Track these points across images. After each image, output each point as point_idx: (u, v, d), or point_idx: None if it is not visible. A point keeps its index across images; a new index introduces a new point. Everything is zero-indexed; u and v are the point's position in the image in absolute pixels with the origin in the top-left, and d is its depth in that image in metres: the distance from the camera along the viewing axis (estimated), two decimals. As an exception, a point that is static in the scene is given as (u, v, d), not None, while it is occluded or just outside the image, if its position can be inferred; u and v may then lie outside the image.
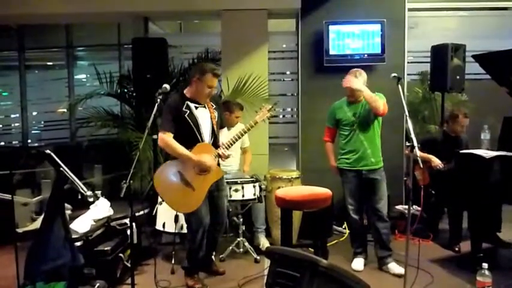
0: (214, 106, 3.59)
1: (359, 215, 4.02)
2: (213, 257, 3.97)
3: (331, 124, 4.09)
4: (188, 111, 3.41)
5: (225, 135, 3.73)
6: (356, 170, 3.91)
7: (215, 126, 3.54)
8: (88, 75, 6.92)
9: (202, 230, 3.46)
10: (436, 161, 4.45)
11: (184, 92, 3.52)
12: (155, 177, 3.41)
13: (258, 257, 4.15)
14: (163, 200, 3.62)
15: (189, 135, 3.40)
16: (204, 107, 3.52)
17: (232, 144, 3.57)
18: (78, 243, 3.27)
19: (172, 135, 3.35)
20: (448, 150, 4.37)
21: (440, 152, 4.47)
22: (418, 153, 3.04)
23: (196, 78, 3.41)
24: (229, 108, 4.54)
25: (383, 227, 3.90)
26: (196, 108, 3.46)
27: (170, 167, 3.40)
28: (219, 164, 3.62)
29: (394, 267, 3.82)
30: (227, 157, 3.53)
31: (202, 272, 3.78)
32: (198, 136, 3.43)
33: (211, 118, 3.52)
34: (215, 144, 3.54)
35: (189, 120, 3.39)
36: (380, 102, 3.71)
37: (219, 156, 3.49)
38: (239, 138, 3.62)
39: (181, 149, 3.34)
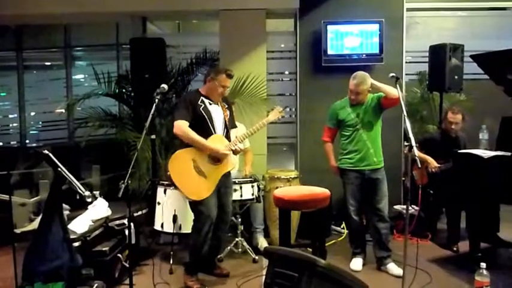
0: (226, 106, 3.74)
1: (359, 215, 4.01)
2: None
3: (332, 124, 4.05)
4: (203, 105, 3.55)
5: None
6: (358, 170, 3.90)
7: (227, 124, 3.68)
8: (86, 76, 6.90)
9: (210, 223, 3.50)
10: (433, 163, 4.44)
11: (200, 89, 3.67)
12: (170, 162, 3.46)
13: (257, 257, 4.15)
14: (174, 187, 3.63)
15: (203, 127, 3.50)
16: (217, 104, 3.66)
17: (244, 139, 3.74)
18: (76, 244, 3.27)
19: (187, 123, 3.44)
20: (446, 149, 4.37)
21: (438, 151, 4.48)
22: (417, 153, 3.03)
23: (210, 77, 3.58)
24: None
25: (383, 227, 3.90)
26: (210, 104, 3.60)
27: (185, 154, 3.48)
28: None
29: (393, 268, 3.81)
30: (240, 151, 3.69)
31: (206, 274, 3.79)
32: (212, 129, 3.55)
33: (223, 115, 3.66)
34: (227, 140, 3.66)
35: (204, 113, 3.52)
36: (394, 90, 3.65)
37: (232, 151, 3.60)
38: (251, 134, 3.77)
39: (197, 136, 3.45)
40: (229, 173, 3.73)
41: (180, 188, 3.48)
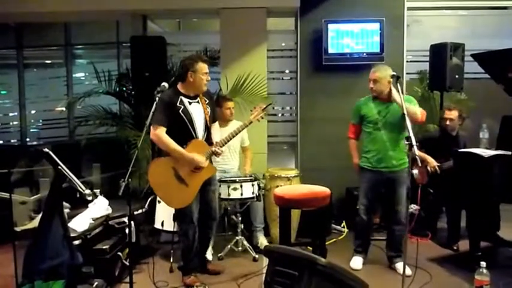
0: (207, 101, 3.63)
1: (368, 215, 3.95)
2: (209, 256, 4.00)
3: (356, 121, 3.99)
4: (182, 107, 3.45)
5: (218, 133, 3.77)
6: (375, 171, 3.84)
7: (208, 121, 3.58)
8: (87, 74, 6.92)
9: (194, 225, 3.53)
10: (432, 162, 4.44)
11: (178, 87, 3.55)
12: (149, 172, 3.43)
13: (257, 256, 4.15)
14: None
15: (183, 130, 3.43)
16: (198, 102, 3.55)
17: (226, 143, 3.64)
18: (76, 242, 3.27)
19: (165, 129, 3.37)
20: (445, 148, 4.38)
21: (437, 150, 4.48)
22: (417, 152, 3.03)
23: (190, 72, 3.43)
24: (217, 103, 4.43)
25: (398, 229, 3.84)
26: (190, 103, 3.50)
27: (164, 163, 3.43)
28: (211, 162, 3.65)
29: (402, 268, 3.79)
30: (221, 153, 3.60)
31: (199, 272, 3.78)
32: (192, 131, 3.47)
33: (204, 113, 3.56)
34: (208, 139, 3.59)
35: (183, 116, 3.43)
36: (416, 110, 3.66)
37: (213, 153, 3.54)
38: (233, 136, 3.68)
39: (174, 145, 3.37)
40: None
41: (161, 197, 3.50)
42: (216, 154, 3.56)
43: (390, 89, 3.72)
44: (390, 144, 3.78)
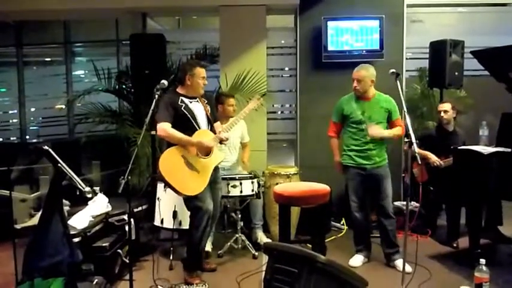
0: (206, 101, 3.75)
1: (362, 212, 3.97)
2: (208, 247, 4.04)
3: (337, 119, 4.00)
4: (184, 105, 3.56)
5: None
6: (359, 167, 3.87)
7: (210, 118, 3.70)
8: (86, 71, 6.90)
9: (207, 216, 3.52)
10: (433, 158, 4.44)
11: (177, 90, 3.66)
12: (160, 164, 3.43)
13: (256, 253, 4.15)
14: (167, 186, 3.61)
15: (187, 125, 3.52)
16: (197, 101, 3.68)
17: (230, 129, 3.77)
18: (76, 239, 3.26)
19: (170, 124, 3.46)
20: (442, 144, 4.38)
21: (435, 146, 4.48)
22: (417, 149, 3.03)
23: (188, 75, 3.58)
24: (219, 100, 4.48)
25: (388, 223, 3.87)
26: (190, 102, 3.62)
27: (174, 153, 3.47)
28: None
29: (401, 265, 3.79)
30: (226, 140, 3.71)
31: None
32: (196, 126, 3.57)
33: (205, 110, 3.68)
34: (212, 132, 3.68)
35: (186, 112, 3.54)
36: (398, 132, 3.86)
37: (220, 140, 3.64)
38: (235, 124, 3.84)
39: (181, 134, 3.46)
40: (217, 167, 3.74)
41: (175, 186, 3.44)
42: (222, 140, 3.66)
43: (376, 89, 3.86)
44: (373, 143, 3.83)
